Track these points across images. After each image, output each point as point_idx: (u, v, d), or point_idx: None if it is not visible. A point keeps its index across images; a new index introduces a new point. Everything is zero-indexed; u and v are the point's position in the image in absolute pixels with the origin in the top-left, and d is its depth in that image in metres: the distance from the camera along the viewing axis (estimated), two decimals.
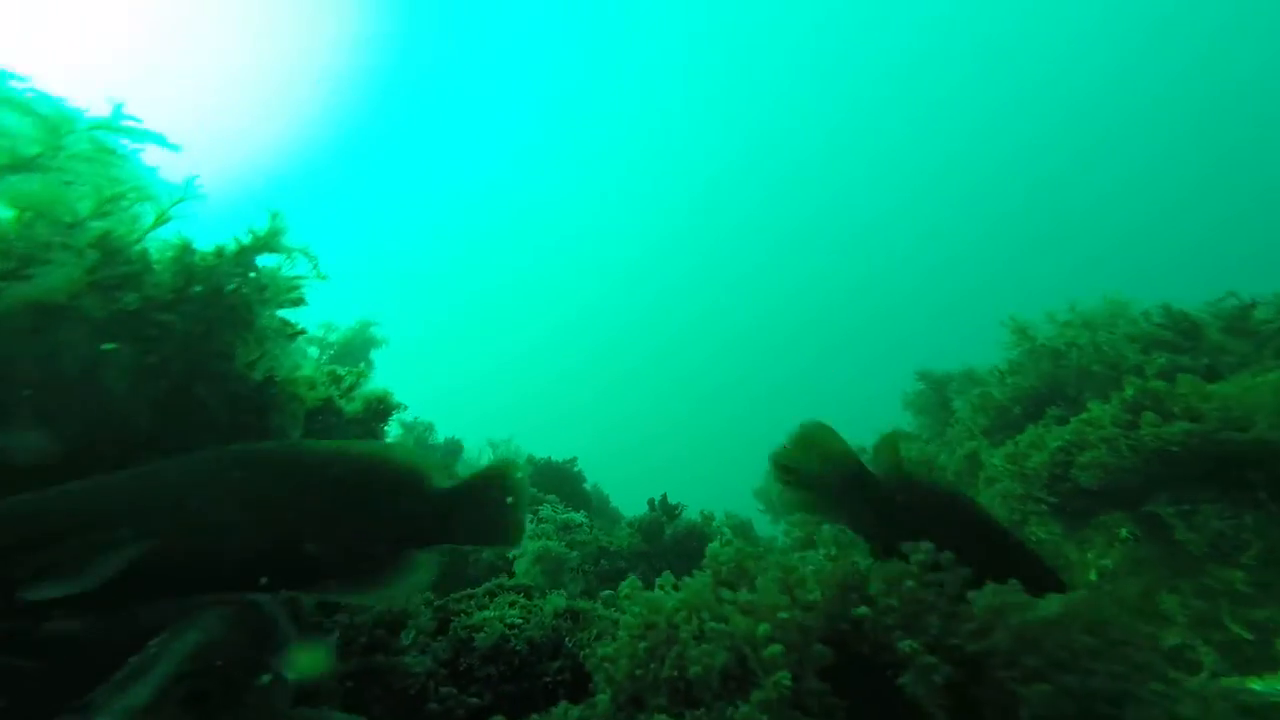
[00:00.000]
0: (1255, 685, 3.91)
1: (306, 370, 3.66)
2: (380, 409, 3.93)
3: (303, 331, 3.45)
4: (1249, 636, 4.08)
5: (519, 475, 2.41)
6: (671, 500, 10.10)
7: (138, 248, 3.05)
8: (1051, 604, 1.73)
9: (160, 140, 3.45)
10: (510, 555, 7.55)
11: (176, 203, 3.29)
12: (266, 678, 2.06)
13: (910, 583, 1.87)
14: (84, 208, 3.08)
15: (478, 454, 12.76)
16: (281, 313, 3.23)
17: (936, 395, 10.26)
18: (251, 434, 3.06)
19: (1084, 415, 4.68)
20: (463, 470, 12.02)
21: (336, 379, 3.97)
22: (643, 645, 2.13)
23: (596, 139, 66.29)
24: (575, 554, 7.57)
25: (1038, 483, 5.03)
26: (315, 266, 3.38)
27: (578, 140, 66.47)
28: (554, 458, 11.12)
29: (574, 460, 11.42)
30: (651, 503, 10.05)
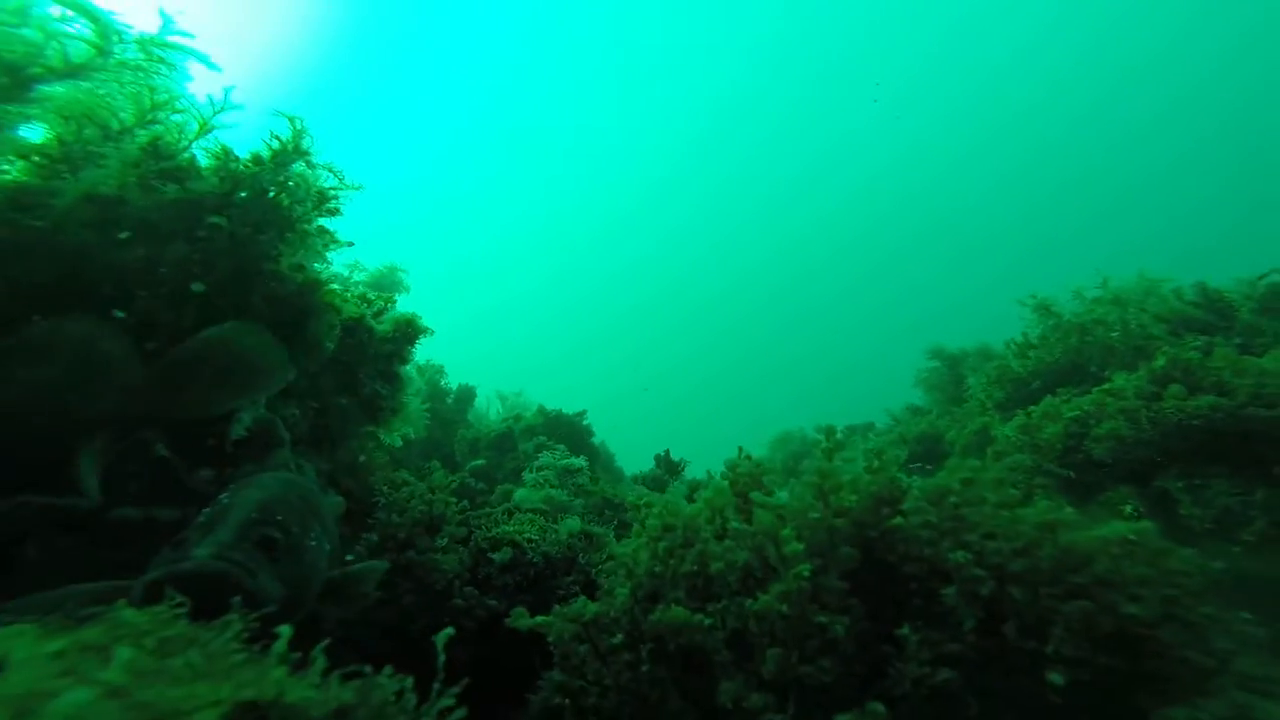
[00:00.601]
0: None
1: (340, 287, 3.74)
2: (409, 331, 4.00)
3: (349, 244, 3.52)
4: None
5: None
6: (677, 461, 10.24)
7: (185, 155, 3.15)
8: (1105, 526, 1.76)
9: (205, 60, 3.48)
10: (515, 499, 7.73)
11: (218, 112, 3.36)
12: (314, 537, 2.21)
13: (954, 499, 1.88)
14: (127, 117, 3.19)
15: (486, 405, 12.90)
16: (320, 220, 3.28)
17: (950, 372, 10.23)
18: (289, 340, 3.14)
19: (1106, 385, 4.67)
20: (473, 419, 12.19)
21: (367, 301, 4.04)
22: (662, 545, 2.21)
23: (615, 82, 64.94)
24: (579, 501, 7.74)
25: (1050, 454, 5.06)
26: (342, 180, 3.42)
27: (594, 82, 65.13)
28: (565, 410, 11.21)
29: (583, 414, 11.51)
30: (658, 458, 10.19)
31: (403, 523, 3.23)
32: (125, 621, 0.94)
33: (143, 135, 3.13)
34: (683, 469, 9.82)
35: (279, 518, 2.09)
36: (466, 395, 12.01)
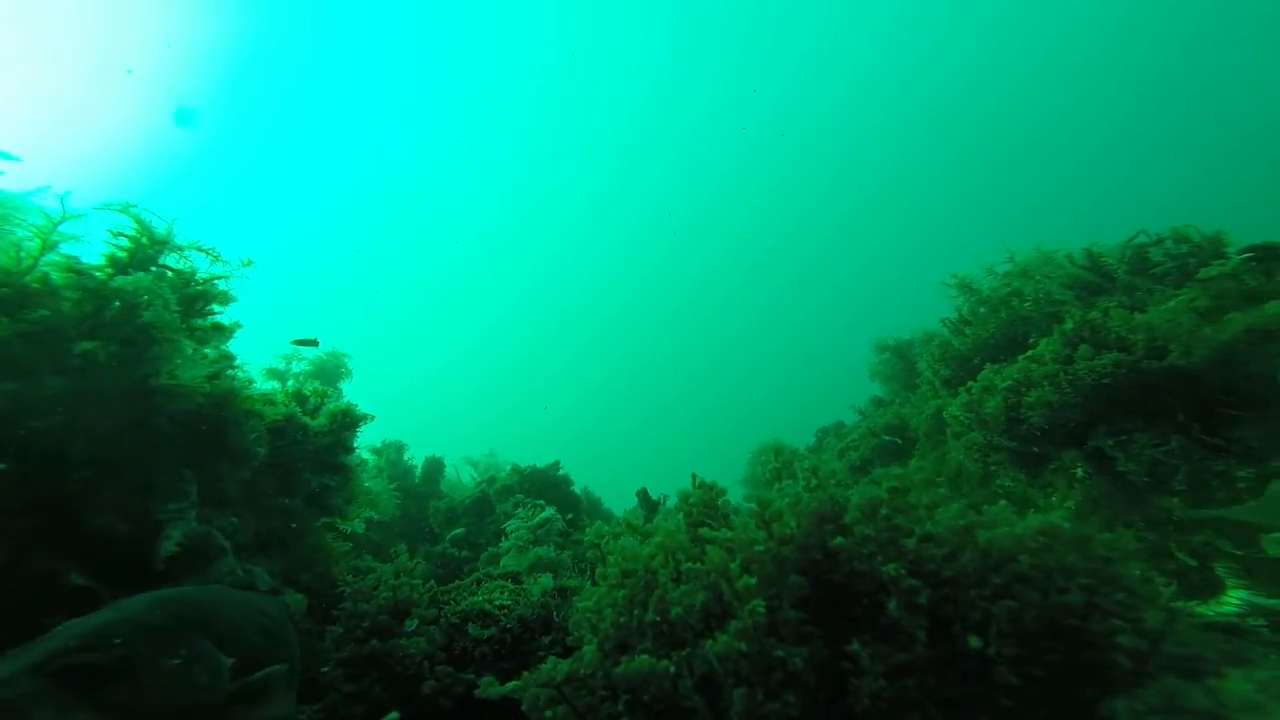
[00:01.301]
0: (1203, 610, 4.07)
1: (262, 388, 3.67)
2: (346, 420, 3.97)
3: (239, 326, 3.39)
4: (1193, 564, 4.23)
5: None
6: (655, 493, 10.22)
7: (32, 276, 2.79)
8: (1019, 521, 1.79)
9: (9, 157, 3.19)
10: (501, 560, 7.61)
11: (59, 223, 2.97)
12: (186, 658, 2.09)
13: (885, 510, 1.91)
14: None
15: (456, 473, 12.71)
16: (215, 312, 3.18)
17: (901, 361, 10.51)
18: (210, 454, 3.04)
19: (1029, 353, 4.88)
20: (446, 489, 11.99)
21: (301, 398, 4.02)
22: (621, 594, 2.20)
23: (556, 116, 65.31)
24: (567, 554, 7.65)
25: (996, 428, 5.24)
26: (215, 257, 3.24)
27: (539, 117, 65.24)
28: (538, 464, 11.13)
29: (557, 465, 11.44)
30: (639, 495, 10.17)
31: (369, 610, 3.18)
32: None
33: None
34: (661, 504, 9.82)
35: (117, 641, 1.96)
36: (435, 466, 11.83)
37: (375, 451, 10.32)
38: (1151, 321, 4.01)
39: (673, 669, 1.94)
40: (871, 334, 11.33)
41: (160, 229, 3.09)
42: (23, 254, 2.81)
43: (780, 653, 1.77)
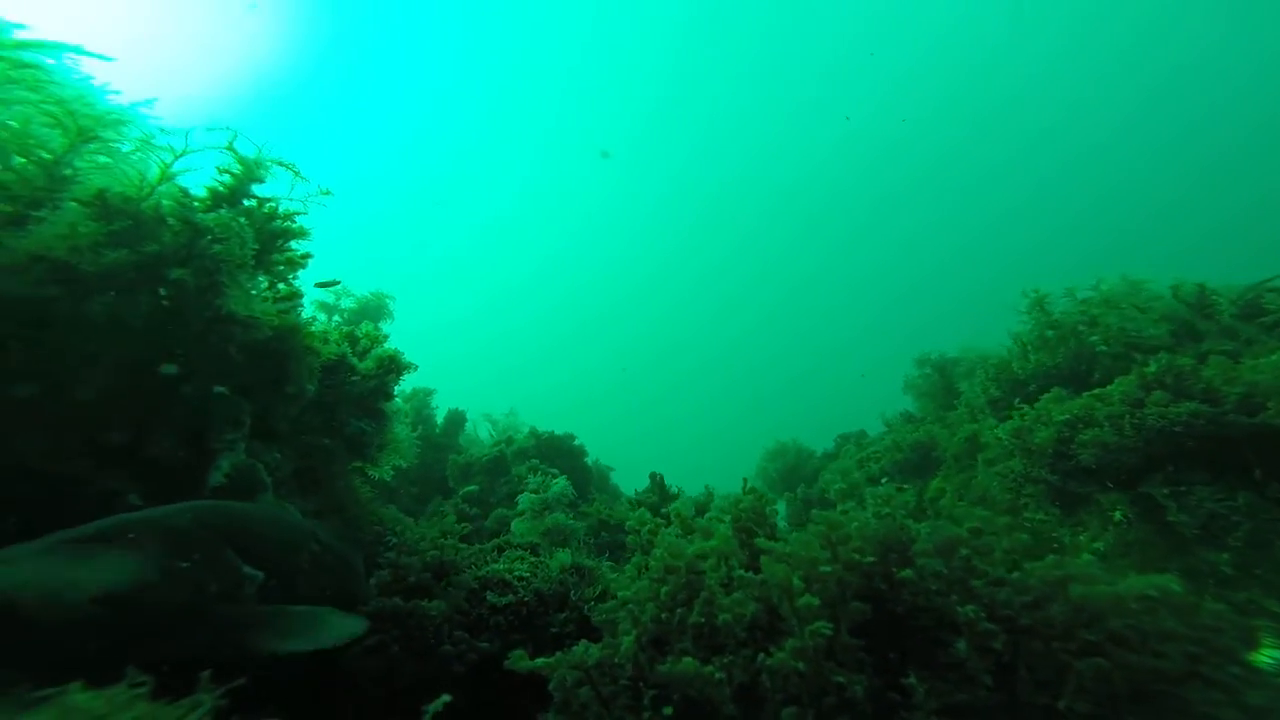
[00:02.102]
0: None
1: (320, 326, 3.69)
2: (391, 366, 3.94)
3: (308, 256, 3.44)
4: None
5: None
6: (671, 482, 10.19)
7: (148, 204, 2.95)
8: (1123, 581, 1.72)
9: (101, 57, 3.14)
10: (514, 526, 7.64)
11: (180, 155, 3.17)
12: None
13: (964, 550, 1.84)
14: (57, 143, 2.90)
15: (475, 428, 12.82)
16: (290, 246, 3.22)
17: (940, 378, 10.27)
18: (268, 386, 3.07)
19: (1095, 391, 4.69)
20: (464, 443, 12.10)
21: (353, 340, 4.00)
22: (664, 590, 2.16)
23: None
24: (581, 524, 7.67)
25: (1041, 460, 5.07)
26: (297, 172, 3.28)
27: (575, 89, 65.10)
28: (555, 431, 11.17)
29: (573, 436, 11.47)
30: (653, 478, 10.15)
31: (413, 565, 3.18)
32: (77, 706, 0.88)
33: (86, 166, 2.90)
34: (676, 495, 9.80)
35: (130, 536, 2.02)
36: (456, 420, 11.94)
37: (405, 399, 10.43)
38: (1252, 376, 3.79)
39: (719, 675, 1.88)
40: (902, 344, 11.10)
41: (260, 172, 3.20)
42: (145, 182, 2.95)
43: (840, 679, 1.72)
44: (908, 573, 1.85)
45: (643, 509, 2.85)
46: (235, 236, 2.97)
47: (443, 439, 11.37)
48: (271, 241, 3.37)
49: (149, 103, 3.15)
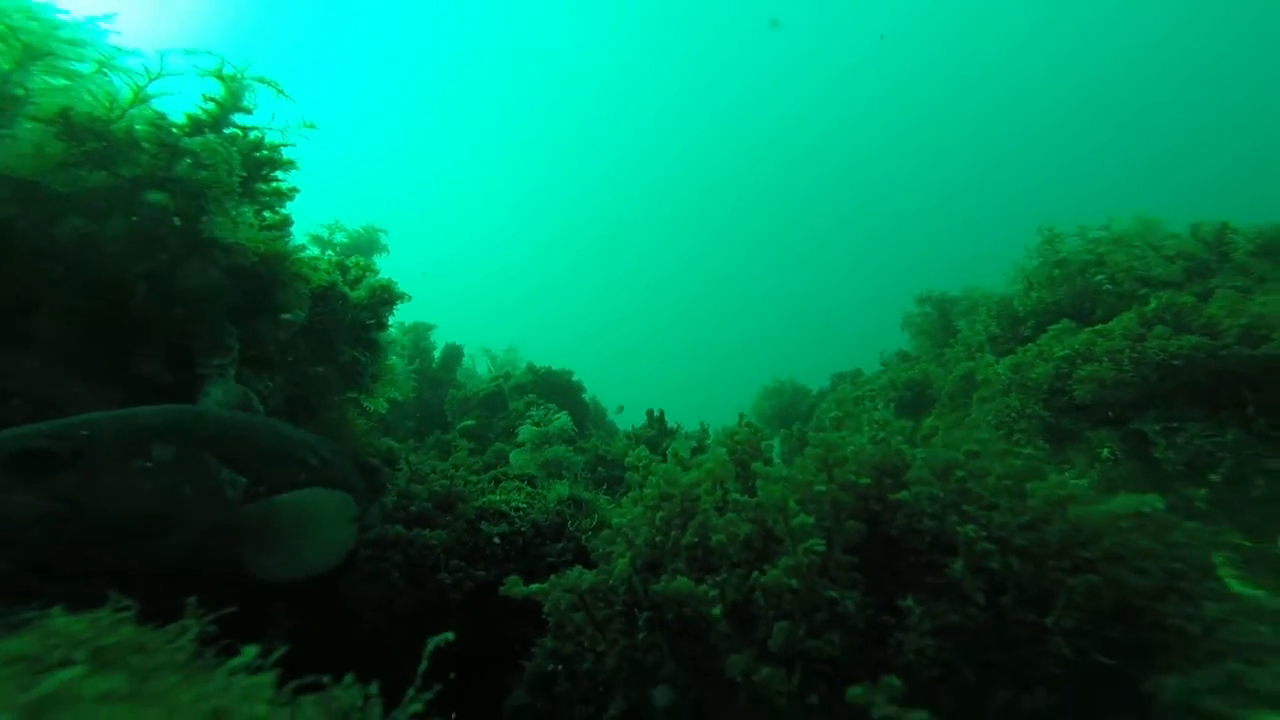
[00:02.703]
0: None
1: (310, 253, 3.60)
2: (384, 296, 3.87)
3: (296, 191, 3.36)
4: None
5: None
6: (670, 419, 10.27)
7: (119, 126, 2.81)
8: (1114, 500, 1.73)
9: None
10: (511, 458, 7.73)
11: (155, 78, 3.01)
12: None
13: (960, 472, 1.84)
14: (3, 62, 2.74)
15: (473, 362, 12.84)
16: (275, 176, 3.12)
17: (940, 317, 10.23)
18: (255, 312, 3.02)
19: (1099, 326, 4.65)
20: (462, 377, 12.12)
21: (344, 269, 3.91)
22: (660, 514, 2.18)
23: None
24: (580, 459, 7.76)
25: (1036, 395, 5.08)
26: (281, 90, 3.13)
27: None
28: (553, 367, 11.19)
29: (571, 372, 11.49)
30: (650, 415, 10.22)
31: (420, 493, 3.19)
32: (59, 630, 0.87)
33: (40, 87, 2.74)
34: (675, 432, 9.89)
35: (84, 434, 1.93)
36: (454, 354, 11.93)
37: (402, 330, 10.38)
38: (1259, 309, 3.75)
39: (713, 593, 1.91)
40: (907, 285, 11.00)
41: (244, 99, 3.07)
42: (115, 104, 2.81)
43: (833, 594, 1.74)
44: (904, 494, 1.85)
45: (641, 446, 2.86)
46: (222, 162, 2.87)
47: (440, 373, 11.39)
48: (257, 171, 3.26)
49: (109, 17, 2.95)
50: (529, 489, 4.03)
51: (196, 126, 2.95)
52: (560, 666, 2.38)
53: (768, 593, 1.79)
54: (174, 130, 2.85)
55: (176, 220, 2.75)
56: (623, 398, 12.78)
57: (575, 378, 11.45)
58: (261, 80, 3.03)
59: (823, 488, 1.84)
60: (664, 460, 2.66)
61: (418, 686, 1.14)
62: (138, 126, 2.82)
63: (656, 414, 10.09)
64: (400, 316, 10.98)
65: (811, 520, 1.78)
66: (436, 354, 11.55)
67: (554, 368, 11.25)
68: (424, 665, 1.20)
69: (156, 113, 2.89)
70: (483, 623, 3.10)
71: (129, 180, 2.66)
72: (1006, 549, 1.71)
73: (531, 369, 11.10)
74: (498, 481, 4.09)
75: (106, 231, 2.59)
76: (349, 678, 1.01)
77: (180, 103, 3.07)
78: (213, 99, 3.03)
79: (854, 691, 1.54)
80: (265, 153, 3.17)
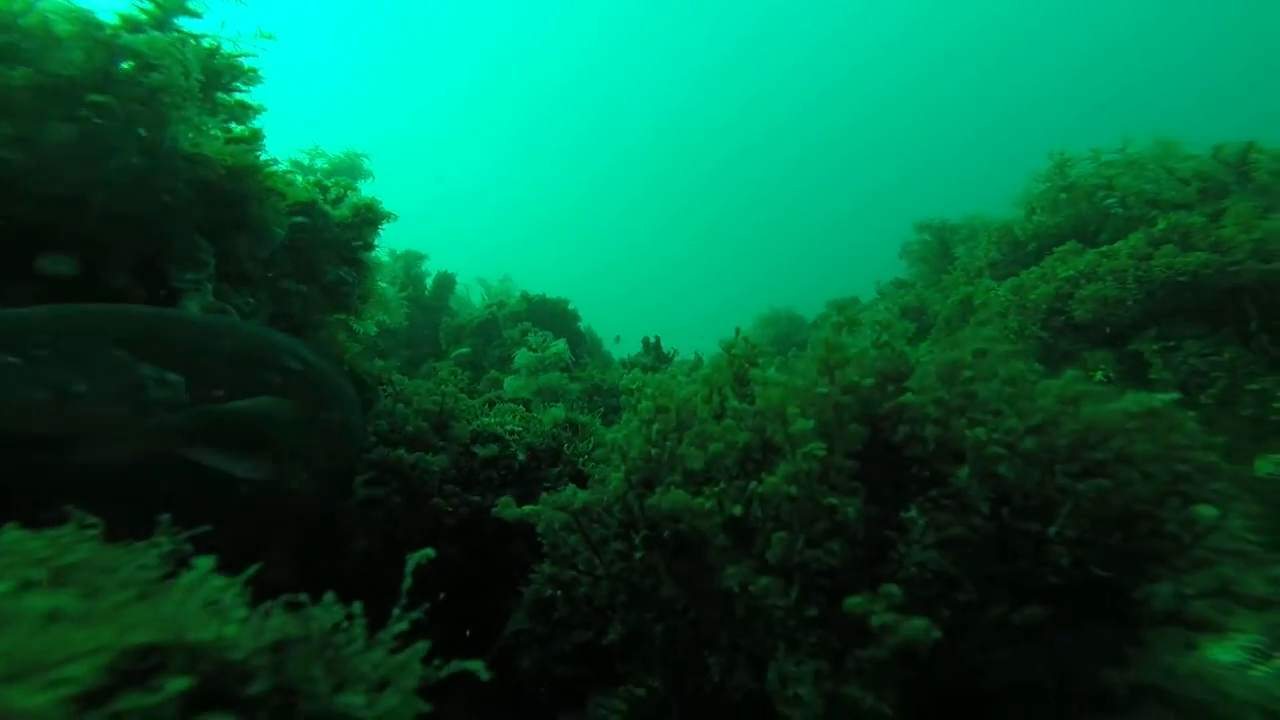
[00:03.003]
0: None
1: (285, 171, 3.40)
2: (369, 216, 3.70)
3: (263, 109, 3.15)
4: None
5: None
6: (667, 347, 10.20)
7: (29, 19, 2.47)
8: (1126, 398, 1.65)
9: None
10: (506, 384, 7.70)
11: None
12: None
13: (968, 373, 1.75)
14: None
15: (467, 291, 12.66)
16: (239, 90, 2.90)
17: (939, 244, 10.06)
18: (230, 228, 2.86)
19: (1104, 248, 4.55)
20: (456, 306, 11.97)
21: (323, 188, 3.72)
22: (655, 428, 2.10)
23: None
24: (576, 386, 7.75)
25: (1035, 316, 5.03)
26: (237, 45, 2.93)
27: None
28: (548, 295, 11.04)
29: (566, 301, 11.35)
30: (645, 342, 10.16)
31: (409, 413, 3.14)
32: (12, 549, 0.81)
33: None
34: (672, 357, 9.82)
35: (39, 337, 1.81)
36: (446, 282, 11.74)
37: (394, 256, 10.14)
38: (1274, 225, 3.66)
39: (709, 505, 1.87)
40: (904, 214, 10.76)
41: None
42: None
43: (833, 500, 1.69)
44: (909, 396, 1.78)
45: (636, 369, 2.78)
46: (175, 63, 2.59)
47: (433, 301, 11.23)
48: (217, 79, 2.99)
49: None
50: (524, 412, 4.01)
51: (133, 27, 2.66)
52: (559, 592, 2.37)
53: (765, 502, 1.74)
54: (105, 28, 2.57)
55: (138, 129, 2.52)
56: (620, 331, 12.68)
57: (571, 306, 11.33)
58: None
59: (824, 389, 1.75)
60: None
61: (403, 605, 1.11)
62: (56, 22, 2.52)
63: (653, 341, 10.05)
64: (395, 244, 10.73)
65: (811, 424, 1.70)
66: (429, 282, 11.36)
67: (549, 295, 11.10)
68: (408, 582, 1.16)
69: (79, 8, 2.58)
70: (479, 547, 3.12)
71: (66, 80, 2.41)
72: (1014, 453, 1.65)
73: (526, 297, 10.95)
74: (491, 405, 4.06)
75: (45, 137, 2.37)
76: (329, 596, 0.96)
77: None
78: None
79: (852, 601, 1.52)
80: (222, 60, 2.93)
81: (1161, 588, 1.64)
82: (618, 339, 12.38)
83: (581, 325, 11.57)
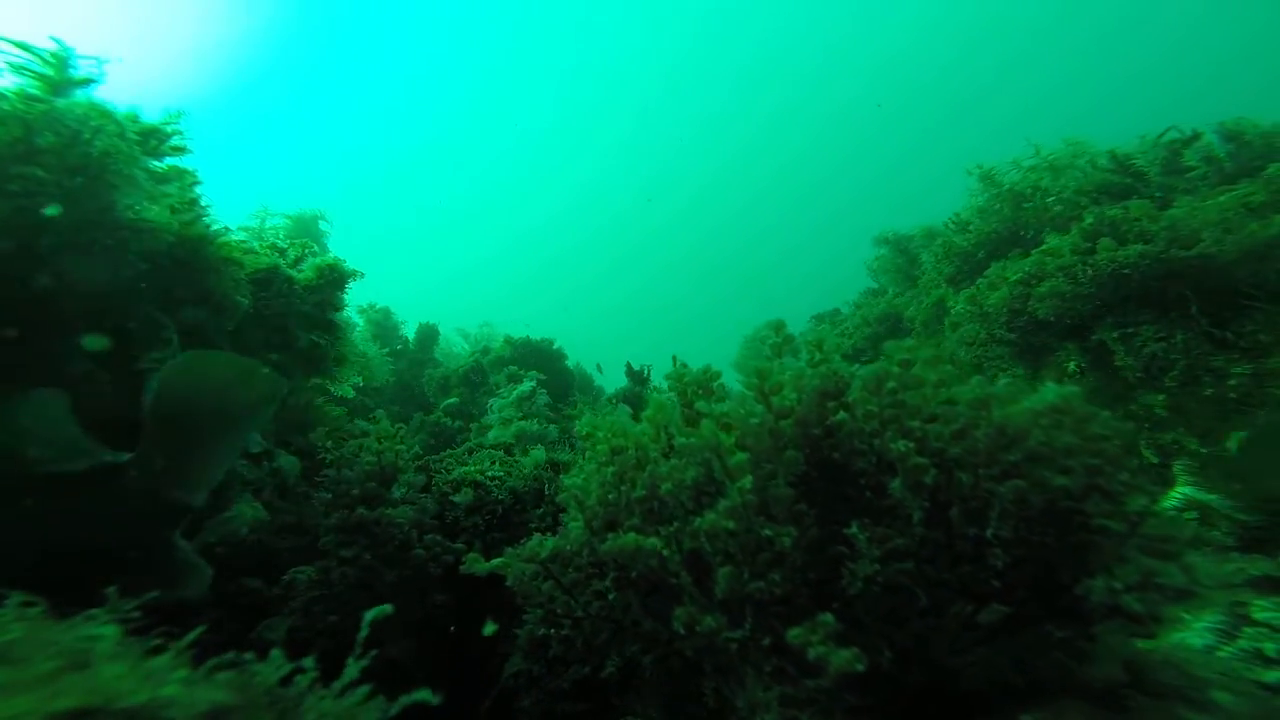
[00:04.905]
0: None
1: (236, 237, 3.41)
2: (333, 276, 3.77)
3: (198, 180, 3.09)
4: (1155, 460, 4.28)
5: None
6: (657, 376, 10.20)
7: None
8: (1033, 395, 1.67)
9: None
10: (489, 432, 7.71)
11: None
12: None
13: (891, 383, 1.76)
14: None
15: (449, 343, 12.69)
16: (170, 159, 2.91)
17: (900, 255, 10.24)
18: (188, 302, 2.87)
19: (1044, 247, 4.70)
20: (441, 357, 12.00)
21: (279, 250, 3.77)
22: (610, 470, 2.13)
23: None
24: (554, 428, 7.76)
25: (998, 321, 5.14)
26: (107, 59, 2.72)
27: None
28: (532, 336, 11.09)
29: (552, 341, 11.39)
30: (629, 367, 10.19)
31: (354, 477, 3.16)
32: None
33: None
34: (648, 375, 9.85)
35: None
36: (429, 334, 11.78)
37: (361, 312, 10.17)
38: (1176, 215, 3.82)
39: (660, 546, 1.90)
40: (873, 230, 10.95)
41: (70, 71, 2.66)
42: None
43: (768, 532, 1.72)
44: (842, 415, 1.81)
45: (622, 405, 2.79)
46: (106, 123, 2.52)
47: (417, 354, 11.27)
48: (145, 143, 2.92)
49: None
50: (504, 457, 4.04)
51: (28, 101, 2.51)
52: (553, 630, 2.37)
53: (711, 538, 1.77)
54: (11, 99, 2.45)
55: (75, 199, 2.41)
56: (609, 361, 12.71)
57: (556, 345, 11.36)
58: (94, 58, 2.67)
59: (758, 419, 1.79)
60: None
61: (357, 655, 1.16)
62: None
63: (637, 368, 10.05)
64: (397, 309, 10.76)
65: (745, 457, 1.73)
66: (410, 334, 11.41)
67: (533, 337, 11.15)
68: (364, 633, 1.21)
69: None
70: (471, 593, 3.13)
71: None
72: (943, 461, 1.68)
73: (509, 340, 10.99)
74: (471, 452, 4.10)
75: None
76: (275, 653, 1.01)
77: None
78: (27, 69, 2.59)
79: (794, 633, 1.53)
80: (143, 124, 2.89)
81: (1095, 583, 1.63)
82: (599, 368, 12.41)
83: (570, 363, 11.61)
